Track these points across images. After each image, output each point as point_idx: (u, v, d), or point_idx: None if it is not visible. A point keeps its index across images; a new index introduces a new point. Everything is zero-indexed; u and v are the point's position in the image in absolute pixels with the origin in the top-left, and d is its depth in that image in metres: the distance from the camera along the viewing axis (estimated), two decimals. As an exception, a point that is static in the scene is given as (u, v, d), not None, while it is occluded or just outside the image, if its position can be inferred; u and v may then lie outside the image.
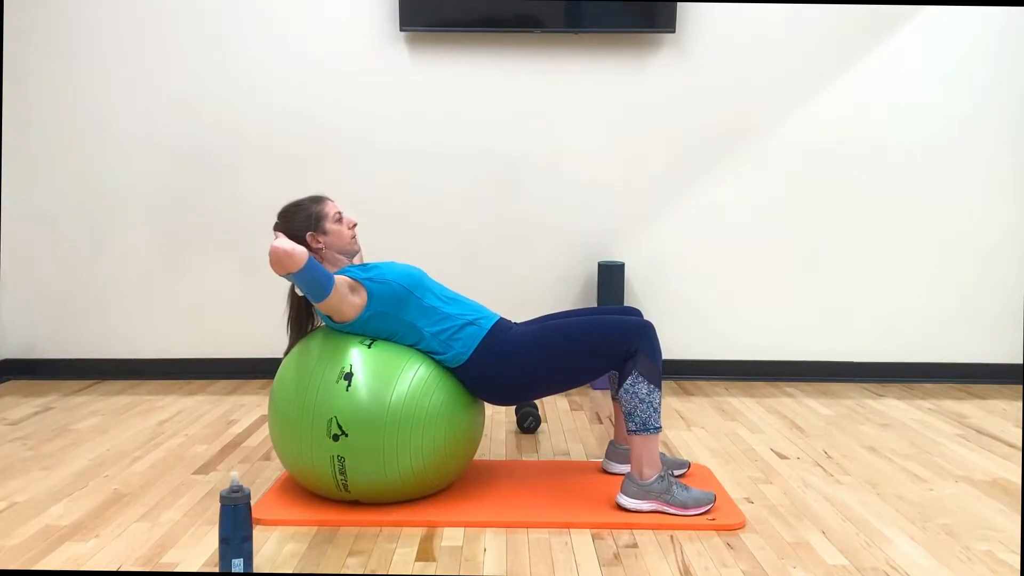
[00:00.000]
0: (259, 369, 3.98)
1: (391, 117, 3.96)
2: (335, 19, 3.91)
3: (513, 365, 2.49)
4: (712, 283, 4.06)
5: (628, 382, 2.43)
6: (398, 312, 2.45)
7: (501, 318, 2.60)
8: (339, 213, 2.54)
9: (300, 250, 2.27)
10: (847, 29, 3.93)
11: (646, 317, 4.00)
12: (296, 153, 3.95)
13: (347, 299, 2.39)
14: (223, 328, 4.05)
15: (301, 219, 2.50)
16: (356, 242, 2.58)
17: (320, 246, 2.50)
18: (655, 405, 2.42)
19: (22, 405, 3.59)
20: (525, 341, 2.51)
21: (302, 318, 2.62)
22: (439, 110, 3.96)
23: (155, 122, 3.95)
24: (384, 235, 3.68)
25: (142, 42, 3.92)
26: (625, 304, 3.94)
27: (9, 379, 4.01)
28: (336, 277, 2.37)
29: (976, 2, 3.94)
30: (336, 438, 2.34)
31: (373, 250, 2.93)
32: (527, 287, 4.02)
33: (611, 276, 3.89)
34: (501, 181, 4.01)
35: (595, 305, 3.95)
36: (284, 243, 2.27)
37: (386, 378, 2.38)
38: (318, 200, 2.54)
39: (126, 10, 3.90)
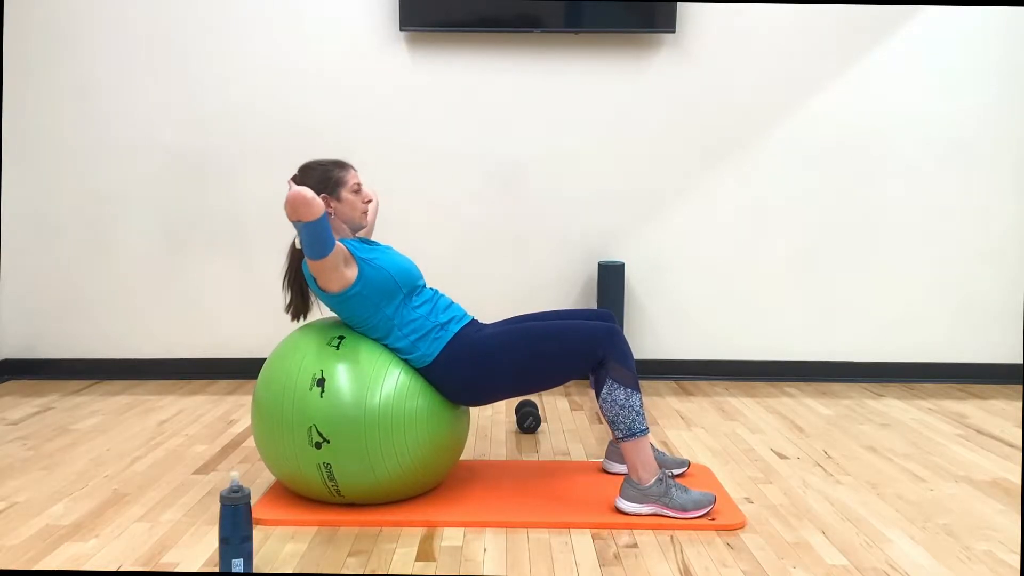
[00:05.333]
0: (259, 369, 3.95)
1: (391, 117, 3.96)
2: (335, 19, 3.91)
3: (478, 370, 2.46)
4: (712, 283, 4.06)
5: (604, 391, 2.41)
6: (379, 302, 2.44)
7: (472, 320, 2.58)
8: (358, 184, 2.53)
9: (319, 202, 2.25)
10: (847, 29, 3.93)
11: (646, 317, 4.04)
12: (296, 154, 3.92)
13: (339, 268, 2.37)
14: (223, 328, 4.04)
15: (318, 177, 2.49)
16: (366, 217, 2.57)
17: (330, 211, 2.47)
18: (636, 408, 2.40)
19: (22, 405, 3.59)
20: (491, 346, 2.48)
21: (300, 278, 2.59)
22: (439, 110, 3.96)
23: (155, 123, 3.95)
24: (384, 235, 3.66)
25: (142, 44, 3.91)
26: (625, 304, 3.94)
27: (9, 379, 4.01)
28: (336, 243, 2.35)
29: (976, 2, 3.94)
30: (319, 446, 2.33)
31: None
32: (527, 287, 4.02)
33: (611, 276, 3.89)
34: (501, 181, 4.00)
35: (595, 305, 3.95)
36: (306, 190, 2.25)
37: (363, 382, 2.36)
38: (343, 166, 2.55)
39: (126, 12, 3.90)
